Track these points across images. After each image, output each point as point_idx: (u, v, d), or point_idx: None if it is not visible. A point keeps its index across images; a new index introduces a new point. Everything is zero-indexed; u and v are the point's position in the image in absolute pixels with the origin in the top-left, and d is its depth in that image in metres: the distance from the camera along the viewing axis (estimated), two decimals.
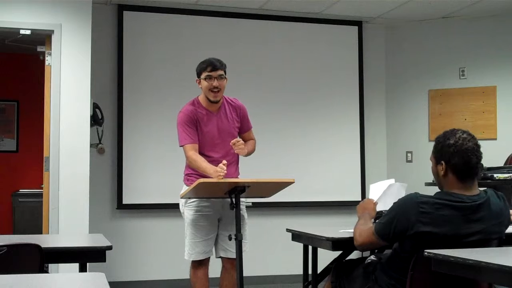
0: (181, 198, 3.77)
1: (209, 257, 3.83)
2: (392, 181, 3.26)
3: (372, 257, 2.95)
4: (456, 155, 2.57)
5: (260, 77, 6.24)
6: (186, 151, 3.74)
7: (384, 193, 3.12)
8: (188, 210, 3.80)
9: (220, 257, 3.86)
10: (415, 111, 6.53)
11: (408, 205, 2.58)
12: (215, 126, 3.81)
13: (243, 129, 3.97)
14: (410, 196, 2.63)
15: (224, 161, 3.45)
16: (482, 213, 2.58)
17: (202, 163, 3.63)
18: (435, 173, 2.70)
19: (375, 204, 3.05)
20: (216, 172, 3.43)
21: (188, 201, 3.78)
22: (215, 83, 3.73)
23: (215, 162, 3.66)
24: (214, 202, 3.76)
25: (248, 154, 3.87)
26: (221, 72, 3.76)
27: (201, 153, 3.76)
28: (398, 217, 2.60)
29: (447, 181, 2.64)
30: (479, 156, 2.61)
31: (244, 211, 3.82)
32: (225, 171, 3.42)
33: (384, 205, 2.86)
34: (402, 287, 2.62)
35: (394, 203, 2.68)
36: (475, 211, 2.57)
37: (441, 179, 2.67)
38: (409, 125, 6.57)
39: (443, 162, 2.62)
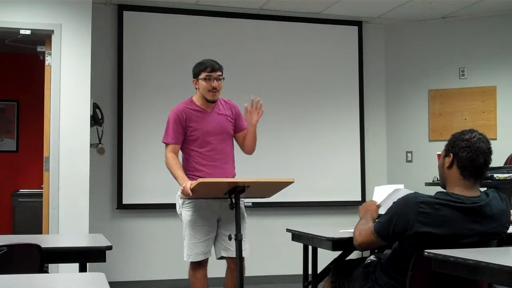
0: (181, 198, 3.78)
1: (208, 258, 3.83)
2: (400, 186, 3.22)
3: (372, 257, 2.95)
4: (465, 150, 2.59)
5: (260, 77, 6.24)
6: (166, 150, 3.84)
7: (389, 197, 3.08)
8: (185, 211, 3.80)
9: (222, 257, 3.85)
10: (415, 111, 6.53)
11: (408, 205, 2.58)
12: (209, 124, 3.84)
13: (240, 127, 3.99)
14: (410, 195, 2.64)
15: (193, 185, 3.44)
16: (482, 215, 2.58)
17: (177, 170, 3.73)
18: (441, 165, 2.71)
19: (378, 206, 3.04)
20: (185, 186, 3.48)
21: (186, 202, 3.78)
22: (214, 83, 3.79)
23: (208, 158, 3.81)
24: (212, 203, 3.76)
25: (254, 140, 3.95)
26: (219, 73, 3.84)
27: (194, 149, 3.82)
28: (397, 216, 2.60)
29: (450, 175, 2.64)
30: (487, 159, 2.61)
31: (243, 210, 3.82)
32: (190, 194, 3.47)
33: (386, 209, 2.84)
34: (402, 287, 2.62)
35: (394, 203, 2.68)
36: (474, 213, 2.57)
37: (445, 171, 2.67)
38: (409, 125, 6.57)
39: (451, 154, 2.63)
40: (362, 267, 2.91)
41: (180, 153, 3.93)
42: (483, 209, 2.58)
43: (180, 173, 3.71)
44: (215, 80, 3.80)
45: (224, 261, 3.89)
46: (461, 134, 2.65)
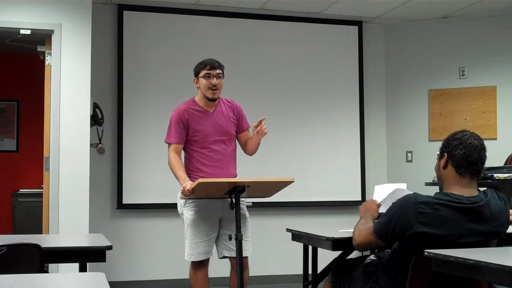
0: (181, 198, 3.78)
1: (209, 258, 3.83)
2: (402, 185, 3.21)
3: (372, 256, 2.94)
4: (458, 147, 2.61)
5: (260, 77, 6.24)
6: (169, 150, 3.86)
7: (389, 196, 3.07)
8: (187, 210, 3.80)
9: (224, 256, 3.86)
10: (415, 111, 6.53)
11: (407, 205, 2.58)
12: (211, 125, 3.85)
13: (242, 128, 4.00)
14: (409, 196, 2.64)
15: (193, 186, 3.45)
16: (481, 215, 2.58)
17: (178, 170, 3.74)
18: (437, 167, 2.72)
19: (378, 205, 3.04)
20: (186, 186, 3.51)
21: (187, 202, 3.79)
22: (214, 81, 3.80)
23: (210, 158, 3.81)
24: (214, 202, 3.76)
25: (257, 147, 3.99)
26: (219, 71, 3.85)
27: (196, 150, 3.83)
28: (396, 217, 2.60)
29: (446, 175, 2.65)
30: (481, 154, 2.62)
31: (245, 210, 3.83)
32: (190, 193, 3.48)
33: (386, 208, 2.84)
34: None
35: (393, 203, 2.68)
36: (474, 213, 2.57)
37: (441, 172, 2.68)
38: (409, 125, 6.57)
39: (445, 154, 2.65)
40: (362, 267, 2.91)
41: (183, 153, 3.93)
42: (482, 209, 2.58)
43: (181, 174, 3.71)
44: (214, 78, 3.81)
45: (226, 261, 3.89)
46: (453, 134, 2.68)
